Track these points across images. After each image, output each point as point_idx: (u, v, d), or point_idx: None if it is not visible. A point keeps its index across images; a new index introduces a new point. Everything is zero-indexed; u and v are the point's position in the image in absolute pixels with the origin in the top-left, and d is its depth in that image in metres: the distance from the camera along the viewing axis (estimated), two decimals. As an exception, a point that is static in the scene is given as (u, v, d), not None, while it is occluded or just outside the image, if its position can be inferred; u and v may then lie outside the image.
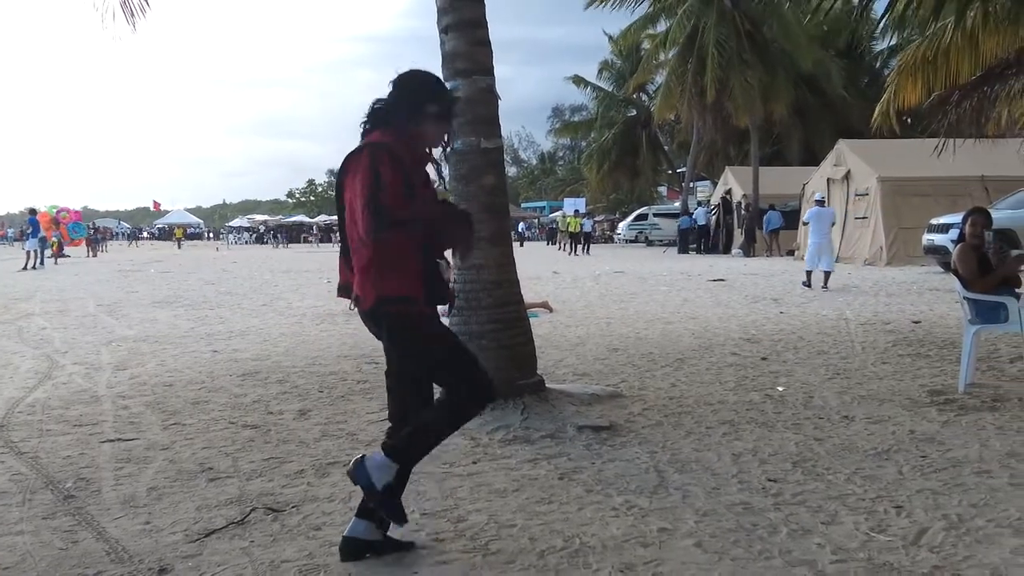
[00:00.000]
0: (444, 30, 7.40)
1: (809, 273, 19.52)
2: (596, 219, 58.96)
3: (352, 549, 4.16)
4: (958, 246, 7.96)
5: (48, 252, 37.30)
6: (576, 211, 50.64)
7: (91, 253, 47.06)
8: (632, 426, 6.74)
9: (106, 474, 5.79)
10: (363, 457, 4.16)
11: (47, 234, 41.02)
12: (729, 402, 7.56)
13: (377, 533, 4.19)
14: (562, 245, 49.25)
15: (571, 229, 45.15)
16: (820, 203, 20.95)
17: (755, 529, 4.45)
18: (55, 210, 49.67)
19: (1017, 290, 7.70)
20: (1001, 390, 7.71)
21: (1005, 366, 8.82)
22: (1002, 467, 5.45)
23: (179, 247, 69.51)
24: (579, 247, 44.29)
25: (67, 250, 45.06)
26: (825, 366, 9.21)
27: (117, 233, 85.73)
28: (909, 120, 17.11)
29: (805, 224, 21.45)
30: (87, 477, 5.72)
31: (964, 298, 7.87)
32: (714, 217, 41.88)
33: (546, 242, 62.54)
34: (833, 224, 21.06)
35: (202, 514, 4.94)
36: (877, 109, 15.07)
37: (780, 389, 8.03)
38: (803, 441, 6.18)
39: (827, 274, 19.22)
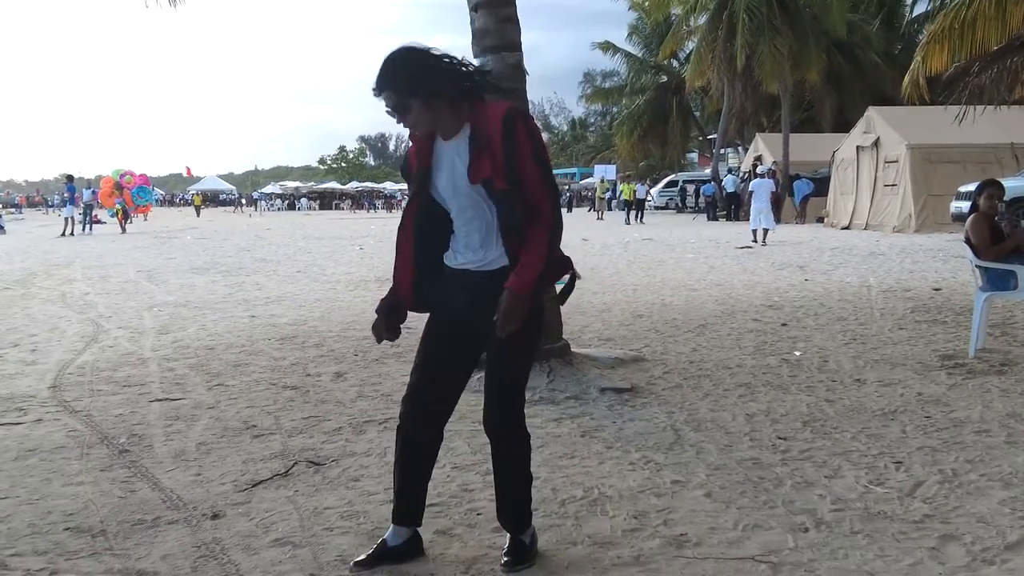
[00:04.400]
0: (474, 8, 7.68)
1: (754, 232, 24.22)
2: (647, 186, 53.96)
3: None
4: (971, 216, 8.21)
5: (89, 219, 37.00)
6: (629, 176, 49.86)
7: (122, 227, 37.62)
8: (653, 388, 7.07)
9: (156, 431, 6.18)
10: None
11: (110, 200, 39.24)
12: (747, 366, 7.87)
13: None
14: (600, 213, 48.01)
15: (624, 196, 43.38)
16: (762, 176, 27.28)
17: (762, 482, 4.79)
18: (119, 174, 42.85)
19: (1028, 259, 7.94)
20: (1011, 355, 7.98)
21: (1019, 332, 9.06)
22: (1001, 427, 5.75)
23: (198, 215, 62.58)
24: (634, 215, 41.24)
25: (101, 217, 41.71)
26: (843, 332, 9.49)
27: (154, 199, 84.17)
28: (938, 92, 17.16)
29: (750, 193, 26.33)
30: (139, 433, 6.11)
31: (976, 266, 8.15)
32: (743, 184, 41.83)
33: (566, 208, 61.58)
34: (773, 191, 27.03)
35: (248, 467, 5.32)
36: (906, 78, 15.15)
37: (797, 354, 8.33)
38: (815, 403, 6.50)
39: (766, 231, 24.05)
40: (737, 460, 5.19)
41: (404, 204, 3.92)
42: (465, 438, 5.71)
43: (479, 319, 3.73)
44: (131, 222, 43.65)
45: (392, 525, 3.98)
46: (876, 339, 9.01)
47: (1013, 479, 4.73)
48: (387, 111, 3.65)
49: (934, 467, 4.97)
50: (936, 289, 12.88)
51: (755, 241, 23.70)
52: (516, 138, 3.58)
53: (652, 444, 5.54)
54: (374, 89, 3.62)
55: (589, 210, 55.05)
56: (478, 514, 4.38)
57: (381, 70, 3.59)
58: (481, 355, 3.94)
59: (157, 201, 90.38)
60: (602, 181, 51.57)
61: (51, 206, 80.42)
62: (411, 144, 3.84)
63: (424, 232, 3.82)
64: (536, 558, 3.87)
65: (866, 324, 9.94)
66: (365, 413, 6.53)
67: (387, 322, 3.94)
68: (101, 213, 41.74)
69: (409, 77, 3.57)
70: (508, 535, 3.93)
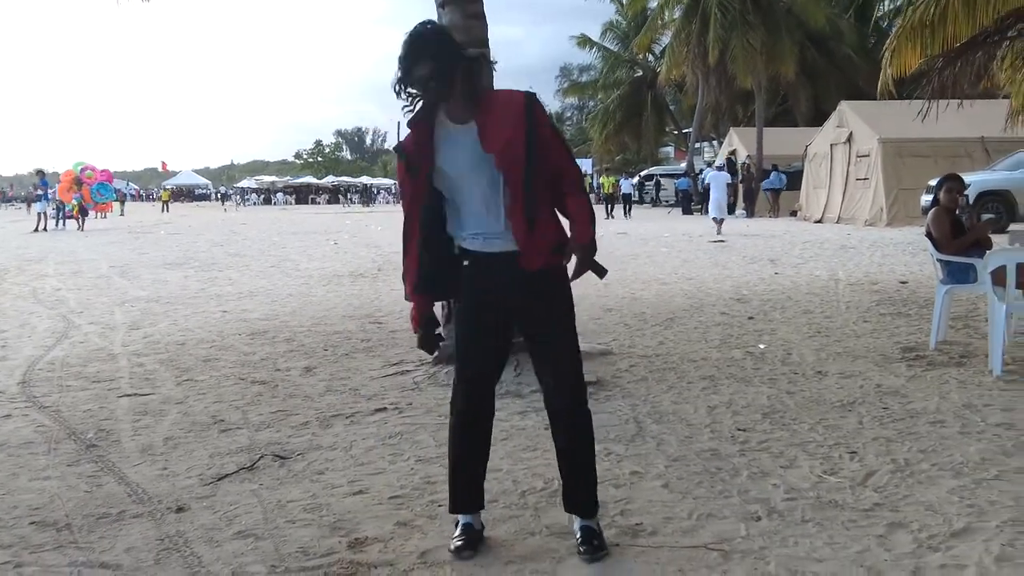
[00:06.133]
0: (441, 4, 7.74)
1: (715, 219, 26.31)
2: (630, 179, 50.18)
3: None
4: (932, 210, 8.34)
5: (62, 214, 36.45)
6: (608, 169, 49.73)
7: (79, 224, 35.49)
8: (618, 381, 7.17)
9: (124, 426, 6.22)
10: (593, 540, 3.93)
11: (67, 196, 37.85)
12: (712, 359, 7.97)
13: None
14: None
15: (604, 190, 43.11)
16: (719, 168, 30.10)
17: (719, 472, 4.88)
18: (80, 168, 41.79)
19: (988, 252, 8.05)
20: (971, 347, 8.10)
21: (981, 324, 9.18)
22: (956, 417, 5.86)
23: (164, 210, 60.49)
24: (614, 209, 40.75)
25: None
26: (808, 325, 9.61)
27: (127, 195, 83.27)
28: (909, 87, 17.23)
29: (706, 185, 29.60)
30: (107, 428, 6.15)
31: (937, 259, 8.27)
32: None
33: None
34: (728, 184, 29.98)
35: (215, 461, 5.38)
36: (880, 77, 15.20)
37: (762, 347, 8.44)
38: (775, 395, 6.60)
39: (721, 221, 26.06)
40: (696, 451, 5.28)
41: (405, 199, 3.98)
42: (430, 431, 5.80)
43: (521, 298, 3.89)
44: (104, 217, 43.13)
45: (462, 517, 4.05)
46: (840, 332, 9.13)
47: (963, 468, 4.84)
48: (421, 83, 3.71)
49: (887, 457, 5.07)
50: (903, 282, 13.01)
51: (719, 233, 24.91)
52: (538, 119, 3.82)
53: (614, 436, 5.62)
54: (405, 60, 3.70)
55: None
56: (439, 506, 4.44)
57: (418, 41, 3.71)
58: (513, 333, 4.06)
59: (131, 196, 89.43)
60: (585, 175, 51.41)
61: (9, 200, 78.97)
62: (409, 130, 3.89)
63: (432, 222, 3.91)
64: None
65: (831, 317, 10.07)
66: (333, 407, 6.59)
67: (429, 333, 4.04)
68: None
69: (447, 47, 3.74)
70: (576, 524, 3.99)
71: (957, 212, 8.33)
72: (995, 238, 8.84)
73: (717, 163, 32.21)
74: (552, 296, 3.93)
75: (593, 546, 3.86)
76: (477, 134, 3.76)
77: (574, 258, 3.94)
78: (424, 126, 3.83)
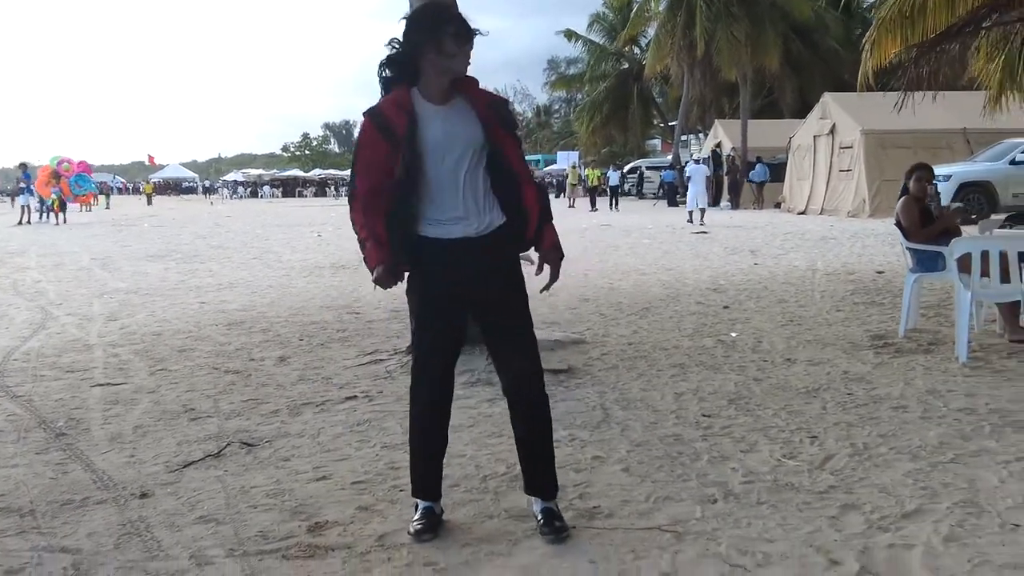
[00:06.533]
0: (412, -5, 7.75)
1: (691, 212, 27.33)
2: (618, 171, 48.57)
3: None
4: (901, 199, 8.40)
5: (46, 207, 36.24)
6: (593, 161, 49.61)
7: (58, 219, 34.96)
8: (589, 369, 7.20)
9: (95, 415, 6.24)
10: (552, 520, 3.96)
11: (46, 190, 37.09)
12: (683, 347, 8.02)
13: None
14: (571, 199, 47.49)
15: (590, 183, 43.15)
16: (697, 162, 31.11)
17: (679, 456, 4.93)
18: (56, 162, 41.40)
19: (954, 240, 8.12)
20: (940, 335, 8.18)
21: (952, 312, 9.22)
22: (919, 403, 5.92)
23: (149, 203, 61.39)
24: (608, 202, 40.45)
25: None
26: (782, 313, 9.68)
27: (113, 188, 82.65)
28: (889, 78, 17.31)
29: (688, 177, 29.54)
30: (77, 417, 6.17)
31: (906, 248, 8.34)
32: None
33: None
34: (707, 176, 30.74)
35: (182, 448, 5.41)
36: (860, 70, 15.25)
37: (733, 335, 8.49)
38: (743, 381, 6.66)
39: (703, 211, 27.19)
40: (659, 437, 5.32)
41: (369, 167, 3.88)
42: (398, 419, 5.82)
43: (486, 285, 3.95)
44: (88, 210, 42.94)
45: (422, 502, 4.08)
46: (812, 320, 9.20)
47: (921, 452, 4.90)
48: (467, 37, 3.77)
49: (847, 441, 5.13)
50: (879, 272, 13.09)
51: (690, 221, 26.49)
52: (510, 118, 3.99)
53: (580, 422, 5.67)
54: (468, 28, 3.78)
55: (558, 196, 54.28)
56: (401, 491, 4.48)
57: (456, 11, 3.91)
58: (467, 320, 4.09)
59: (117, 189, 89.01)
60: (573, 168, 51.61)
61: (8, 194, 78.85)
62: (388, 102, 3.84)
63: (399, 196, 3.84)
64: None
65: (805, 306, 10.13)
66: (304, 396, 6.62)
67: (392, 269, 3.91)
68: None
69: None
70: (536, 507, 4.02)
71: (927, 201, 8.39)
72: (968, 230, 8.90)
73: (696, 156, 33.02)
74: (515, 285, 4.01)
75: (555, 527, 3.90)
76: (467, 112, 3.83)
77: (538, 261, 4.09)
78: (407, 93, 3.83)
